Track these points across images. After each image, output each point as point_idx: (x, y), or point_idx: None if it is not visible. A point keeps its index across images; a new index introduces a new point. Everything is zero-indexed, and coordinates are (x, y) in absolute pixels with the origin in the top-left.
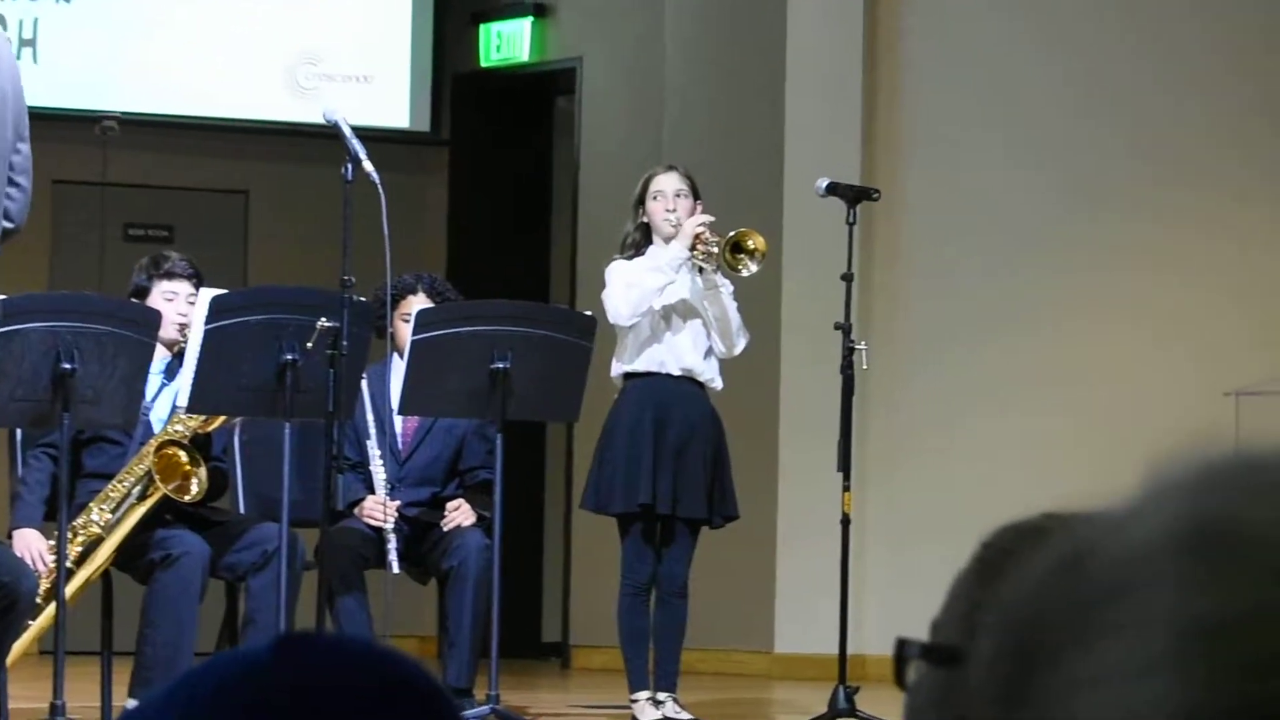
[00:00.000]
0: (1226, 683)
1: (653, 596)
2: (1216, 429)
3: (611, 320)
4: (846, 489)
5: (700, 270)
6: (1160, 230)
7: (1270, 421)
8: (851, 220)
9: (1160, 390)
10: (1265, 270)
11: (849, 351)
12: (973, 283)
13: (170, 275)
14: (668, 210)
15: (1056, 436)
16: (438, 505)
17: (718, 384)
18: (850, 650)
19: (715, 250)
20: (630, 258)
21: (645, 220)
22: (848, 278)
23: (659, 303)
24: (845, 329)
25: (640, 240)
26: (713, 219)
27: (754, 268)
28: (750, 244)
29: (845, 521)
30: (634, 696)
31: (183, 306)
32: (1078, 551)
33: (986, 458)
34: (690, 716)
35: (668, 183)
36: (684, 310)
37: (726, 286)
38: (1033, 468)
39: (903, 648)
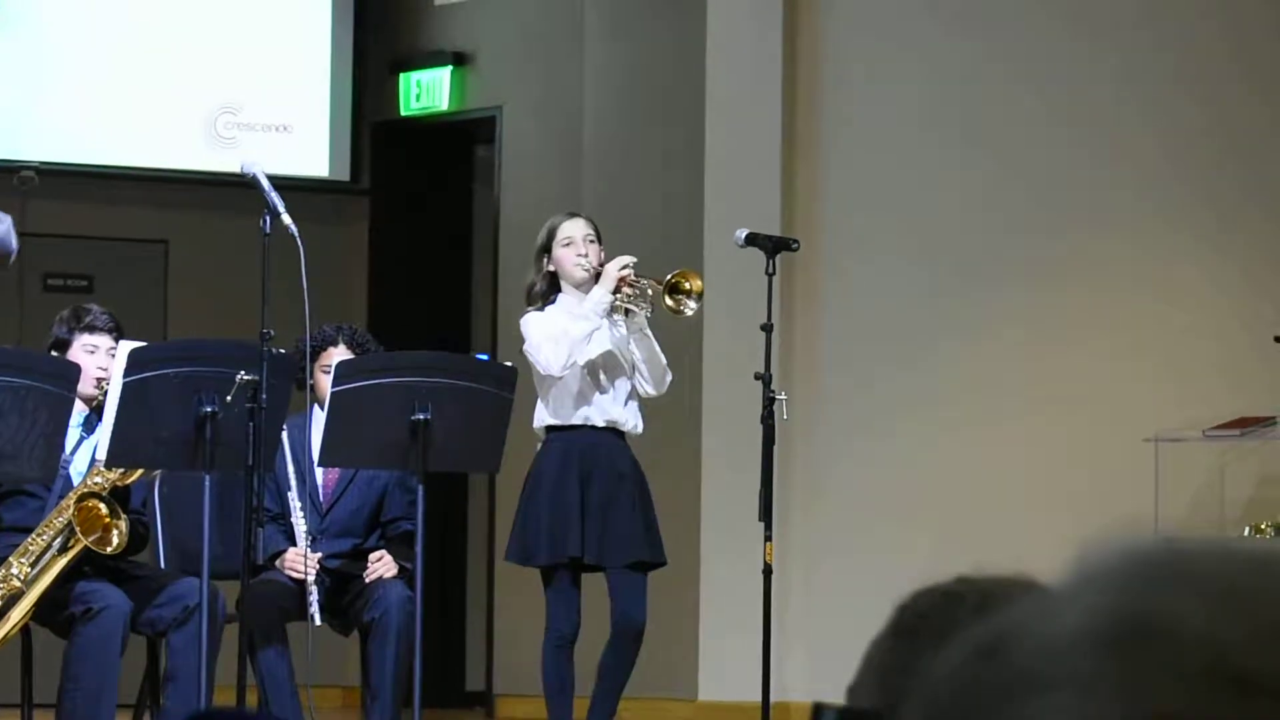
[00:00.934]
0: (1161, 695)
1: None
2: (1136, 475)
3: (543, 373)
4: (768, 539)
5: (627, 313)
6: (1076, 285)
7: (1188, 468)
8: (771, 270)
9: (1081, 436)
10: (1183, 320)
11: (769, 401)
12: (892, 331)
13: (91, 329)
14: (579, 255)
15: (978, 482)
16: (359, 556)
17: (639, 429)
18: (773, 698)
19: (649, 292)
20: (541, 309)
21: (551, 269)
22: (767, 328)
23: (585, 353)
24: (765, 379)
25: (546, 290)
26: (636, 260)
27: (694, 307)
28: (688, 285)
29: (767, 571)
30: None
31: (103, 360)
32: (1000, 637)
33: (911, 510)
34: None
35: (576, 229)
36: (606, 361)
37: (647, 328)
38: (954, 516)
39: (819, 713)
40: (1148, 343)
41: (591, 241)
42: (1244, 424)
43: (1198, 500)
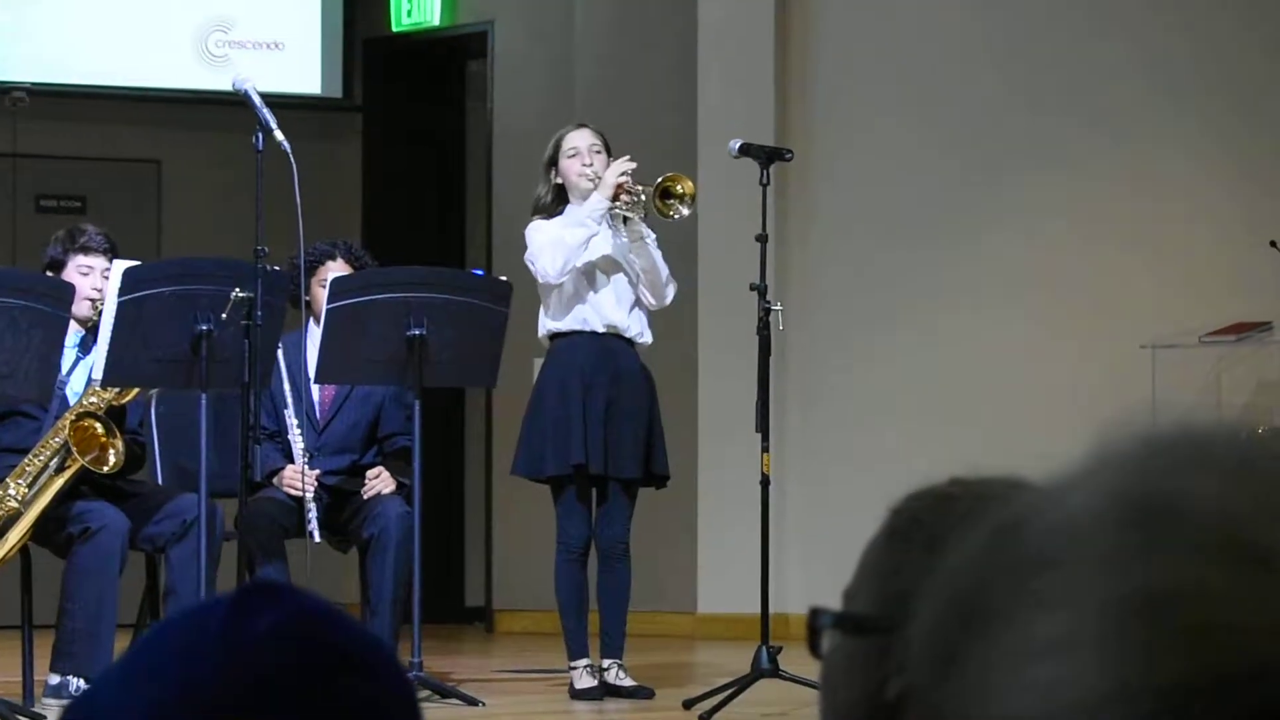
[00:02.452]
0: (1150, 659)
1: (591, 559)
2: (1133, 382)
3: (540, 280)
4: (765, 450)
5: (625, 220)
6: (1074, 185)
7: (1184, 374)
8: (765, 181)
9: (1078, 342)
10: (1180, 225)
11: (765, 312)
12: (887, 243)
13: (86, 249)
14: (584, 165)
15: (975, 394)
16: (357, 473)
17: (647, 339)
18: (772, 610)
19: (643, 198)
20: (548, 218)
21: (558, 181)
22: (762, 238)
23: (584, 258)
24: (761, 290)
25: (553, 202)
26: (634, 165)
27: (685, 211)
28: (679, 188)
29: (765, 482)
30: (573, 664)
31: (98, 280)
32: (1017, 520)
33: (906, 417)
34: (634, 683)
35: (581, 139)
36: (606, 266)
37: (651, 236)
38: (951, 426)
39: (816, 617)
40: (1145, 248)
41: (598, 152)
42: (1240, 329)
43: (1195, 407)
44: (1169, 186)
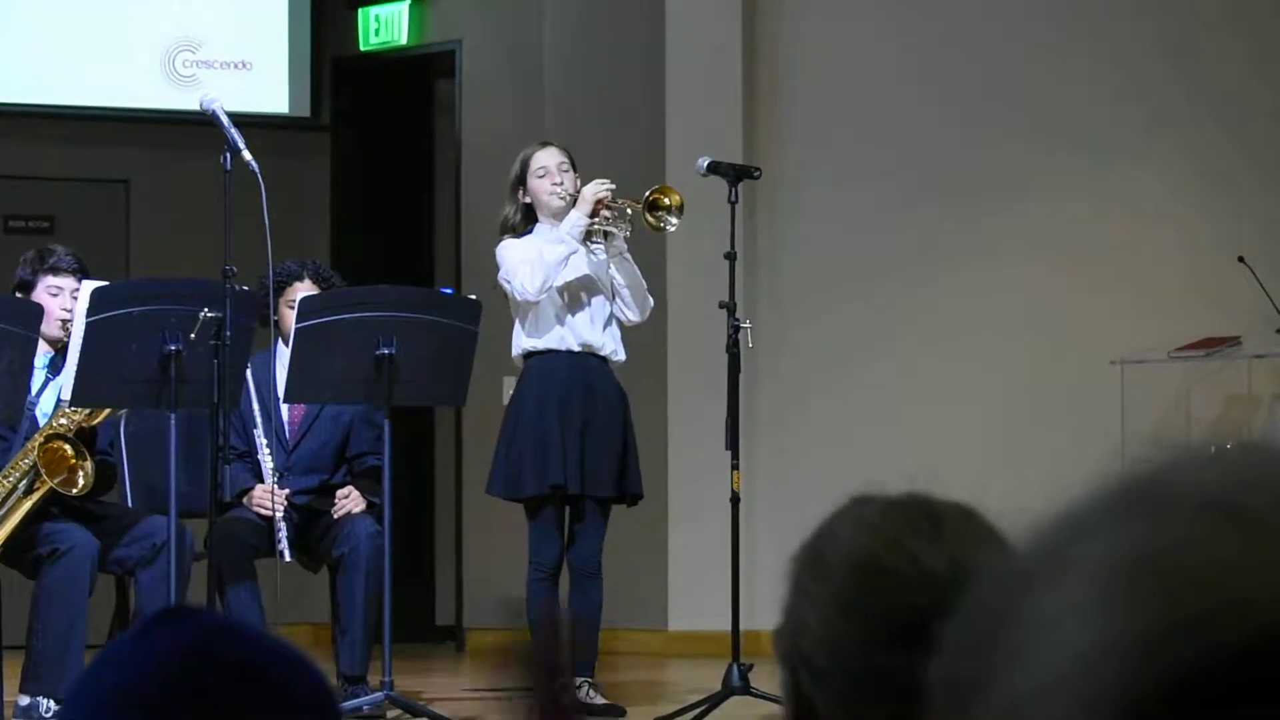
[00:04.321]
0: (1144, 608)
1: (563, 578)
2: (1102, 397)
3: (519, 298)
4: (735, 467)
5: (606, 236)
6: (1044, 204)
7: (1153, 389)
8: (733, 199)
9: (1047, 358)
10: (1149, 240)
11: (734, 330)
12: (856, 257)
13: (55, 270)
14: (554, 184)
15: (945, 407)
16: (327, 492)
17: (620, 356)
18: (743, 627)
19: (628, 212)
20: (517, 237)
21: (526, 200)
22: (731, 256)
23: (562, 277)
24: (730, 308)
25: (522, 221)
26: (614, 184)
27: (675, 223)
28: (667, 200)
29: (735, 499)
30: None
31: (67, 301)
32: (1037, 523)
33: (875, 431)
34: (605, 701)
35: (549, 158)
36: (582, 284)
37: (627, 252)
38: (921, 441)
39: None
40: (1112, 264)
41: (566, 170)
42: (1209, 344)
43: (1163, 421)
44: (1138, 204)
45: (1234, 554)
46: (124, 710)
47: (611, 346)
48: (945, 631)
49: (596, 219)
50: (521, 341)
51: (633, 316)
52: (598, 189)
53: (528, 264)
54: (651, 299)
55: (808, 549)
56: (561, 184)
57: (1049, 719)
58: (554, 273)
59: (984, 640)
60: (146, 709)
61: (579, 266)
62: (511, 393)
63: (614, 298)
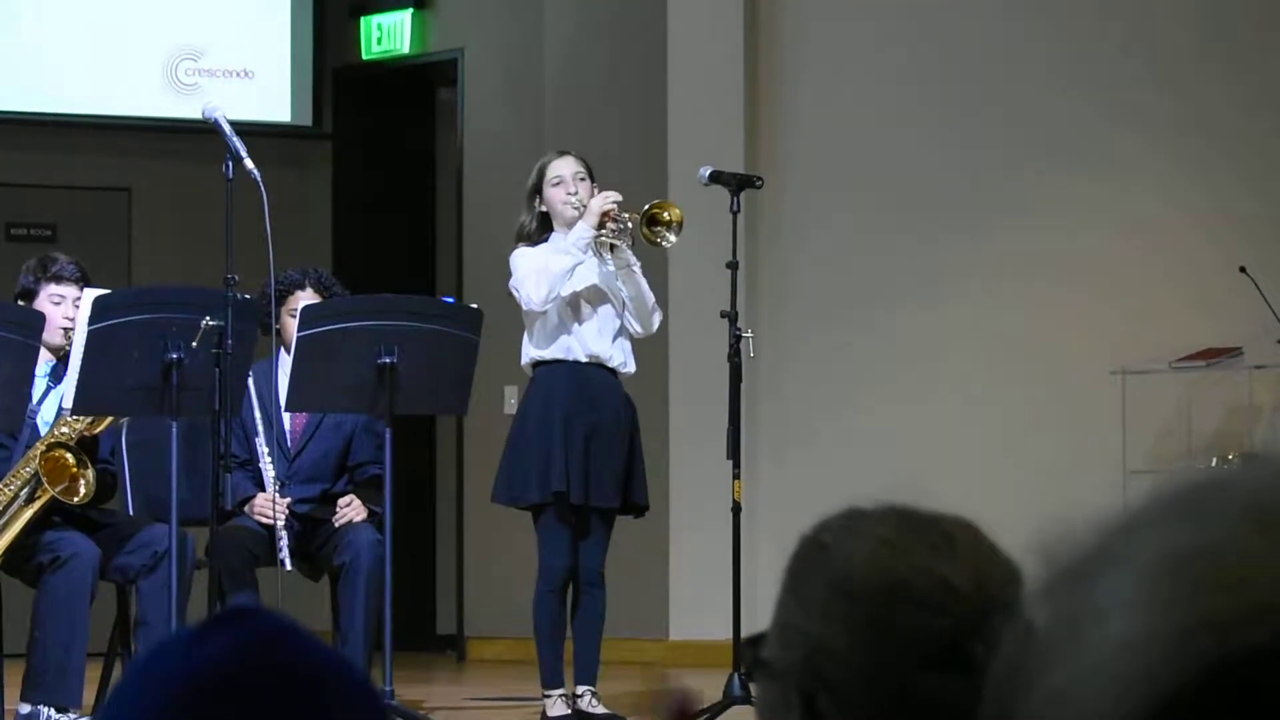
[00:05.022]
0: (1188, 604)
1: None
2: (1103, 408)
3: (526, 307)
4: (737, 477)
5: (612, 248)
6: (1045, 217)
7: (1155, 400)
8: (735, 208)
9: (1048, 369)
10: (1150, 252)
11: (736, 339)
12: (857, 268)
13: (58, 278)
14: (569, 194)
15: (946, 416)
16: (328, 501)
17: (630, 368)
18: (745, 636)
19: (629, 226)
20: (532, 245)
21: (542, 209)
22: (733, 265)
23: (569, 287)
24: (731, 317)
25: (537, 230)
26: (620, 197)
27: (673, 239)
28: (666, 215)
29: (736, 509)
30: (547, 692)
31: (69, 310)
32: (1079, 527)
33: (876, 441)
34: (607, 711)
35: (565, 167)
36: (591, 295)
37: (637, 264)
38: (922, 448)
39: (742, 652)
40: (1114, 274)
41: (582, 179)
42: (1210, 355)
43: (1165, 432)
44: (1138, 217)
45: (1268, 559)
46: (173, 713)
47: (620, 358)
48: (1003, 631)
49: (603, 231)
50: (530, 351)
51: (638, 329)
52: (604, 202)
53: (535, 273)
54: (659, 315)
55: (808, 564)
56: (576, 193)
57: (1091, 706)
58: (559, 283)
59: (1023, 651)
60: (198, 712)
61: (587, 277)
62: (517, 401)
63: (624, 309)
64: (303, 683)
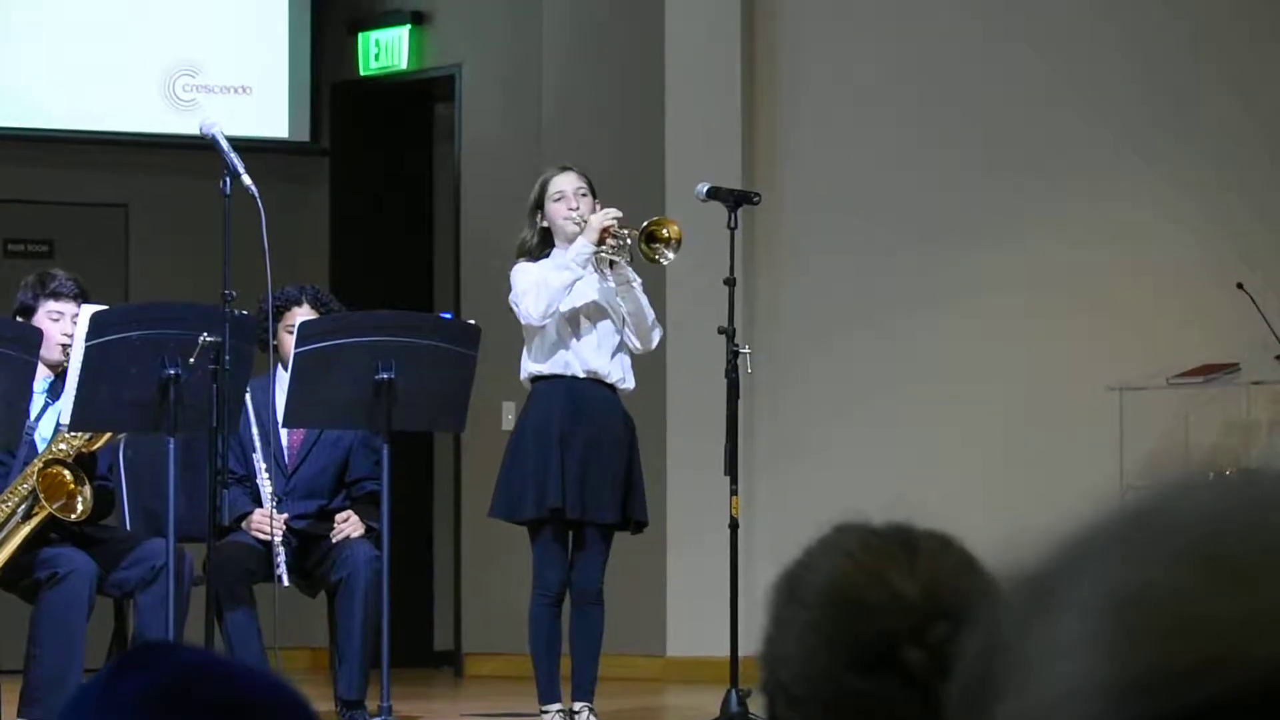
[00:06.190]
0: (1129, 652)
1: (565, 604)
2: (1100, 425)
3: (524, 321)
4: (734, 493)
5: (611, 264)
6: (1042, 232)
7: (1152, 416)
8: (733, 224)
9: (1045, 385)
10: (1146, 268)
11: (733, 355)
12: (855, 284)
13: (56, 295)
14: (570, 209)
15: (944, 433)
16: (325, 517)
17: (629, 384)
18: (741, 653)
19: (629, 242)
20: (533, 260)
21: (544, 224)
22: (730, 282)
23: (568, 303)
24: (729, 333)
25: (539, 245)
26: (621, 213)
27: (671, 256)
28: (665, 232)
29: (734, 525)
30: (544, 708)
31: (68, 326)
32: (1043, 544)
33: (874, 457)
34: None
35: (567, 183)
36: (590, 311)
37: (637, 281)
38: (920, 465)
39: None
40: (1111, 291)
41: (583, 195)
42: (1207, 371)
43: (1162, 448)
44: (1134, 235)
45: (1214, 606)
46: None
47: (619, 374)
48: (959, 642)
49: (603, 247)
50: (528, 366)
51: (637, 345)
52: (604, 218)
53: (534, 288)
54: (659, 331)
55: (786, 578)
56: (577, 209)
57: None
58: (558, 298)
59: (985, 672)
60: None
61: (587, 293)
62: (514, 417)
63: (623, 326)
64: (226, 714)
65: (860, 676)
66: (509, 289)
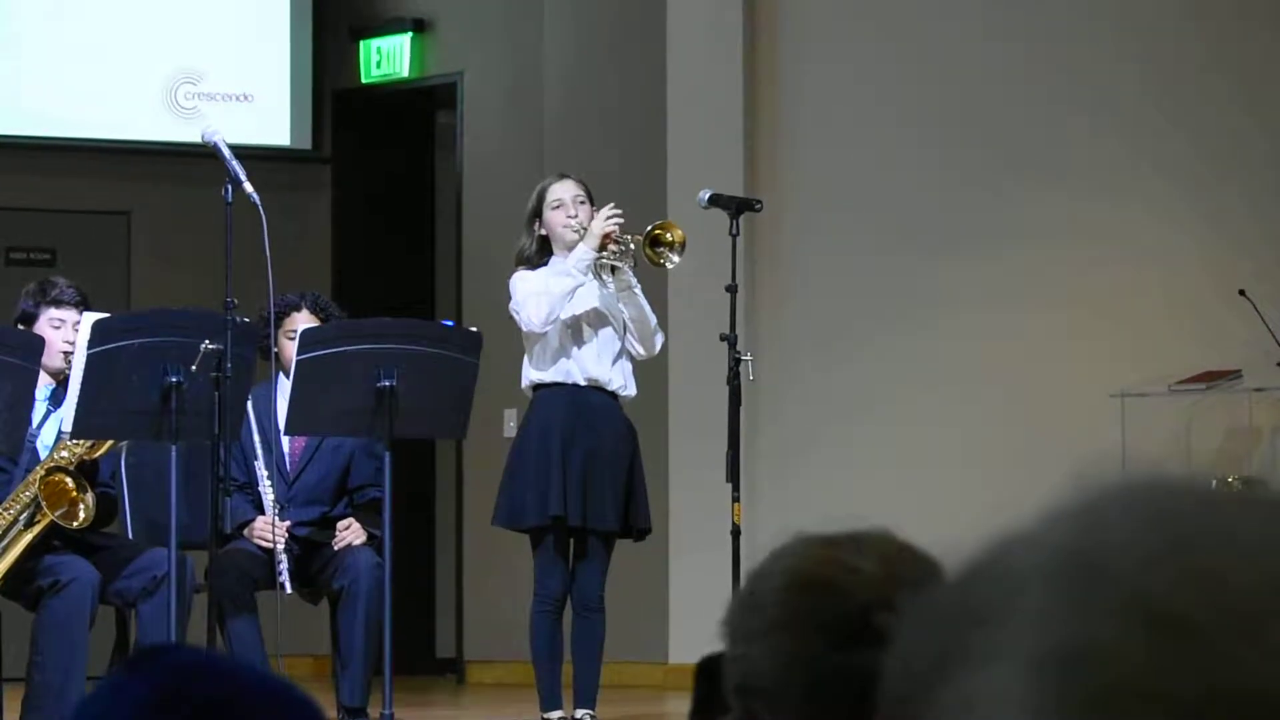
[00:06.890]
0: (1063, 714)
1: (566, 611)
2: (1102, 431)
3: (525, 329)
4: (736, 500)
5: (613, 270)
6: (1044, 237)
7: (1154, 423)
8: (735, 231)
9: (1046, 393)
10: (1149, 275)
11: (735, 363)
12: (857, 291)
13: (58, 302)
14: (569, 217)
15: (946, 440)
16: (327, 524)
17: (630, 391)
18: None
19: (631, 248)
20: (533, 269)
21: (542, 232)
22: (732, 289)
23: (569, 310)
24: (731, 340)
25: (537, 253)
26: (620, 212)
27: (676, 259)
28: (669, 236)
29: (735, 532)
30: (546, 715)
31: (69, 334)
32: (972, 569)
33: (876, 464)
34: None
35: (565, 190)
36: (591, 318)
37: (638, 286)
38: (922, 473)
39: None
40: (1113, 297)
41: (582, 202)
42: (1210, 377)
43: (1164, 455)
44: (1138, 241)
45: (1156, 660)
46: None
47: (620, 381)
48: (886, 668)
49: (605, 253)
50: (529, 373)
51: (640, 351)
52: (605, 224)
53: (535, 295)
54: (661, 336)
55: (737, 604)
56: (576, 216)
57: None
58: (559, 305)
59: (921, 688)
60: None
61: (588, 300)
62: (516, 424)
63: (625, 332)
64: (223, 713)
65: (839, 652)
66: (510, 297)
